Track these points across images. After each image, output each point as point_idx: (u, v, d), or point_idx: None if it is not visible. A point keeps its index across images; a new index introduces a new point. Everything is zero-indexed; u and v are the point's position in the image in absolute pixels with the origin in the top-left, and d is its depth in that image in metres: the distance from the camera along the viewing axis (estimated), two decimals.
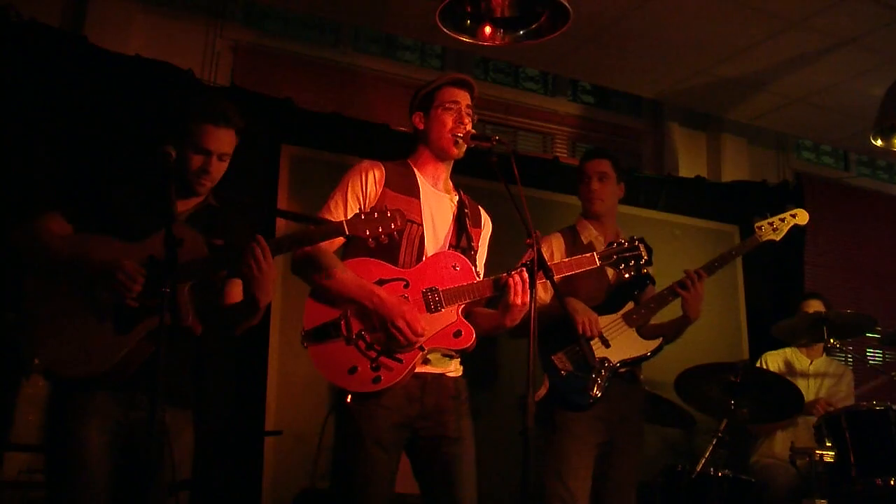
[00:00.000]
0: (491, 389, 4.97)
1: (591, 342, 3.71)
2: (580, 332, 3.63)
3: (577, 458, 3.61)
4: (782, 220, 3.77)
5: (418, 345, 2.81)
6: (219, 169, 2.81)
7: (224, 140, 2.79)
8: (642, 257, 3.11)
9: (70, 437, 2.54)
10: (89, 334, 2.56)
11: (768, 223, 3.78)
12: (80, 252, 2.60)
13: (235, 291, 2.83)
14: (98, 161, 4.23)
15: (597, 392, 3.63)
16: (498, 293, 2.88)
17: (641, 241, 3.14)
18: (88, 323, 2.57)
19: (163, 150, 2.64)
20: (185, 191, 2.81)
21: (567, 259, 3.10)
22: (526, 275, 2.78)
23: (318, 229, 2.70)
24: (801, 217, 3.78)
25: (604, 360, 3.71)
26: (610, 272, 3.91)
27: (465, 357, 3.07)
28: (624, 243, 3.13)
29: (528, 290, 2.73)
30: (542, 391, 3.69)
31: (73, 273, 2.60)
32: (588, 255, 3.09)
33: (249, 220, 2.95)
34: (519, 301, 2.80)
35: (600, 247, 3.81)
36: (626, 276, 3.19)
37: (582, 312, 3.66)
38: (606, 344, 3.72)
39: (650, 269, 4.08)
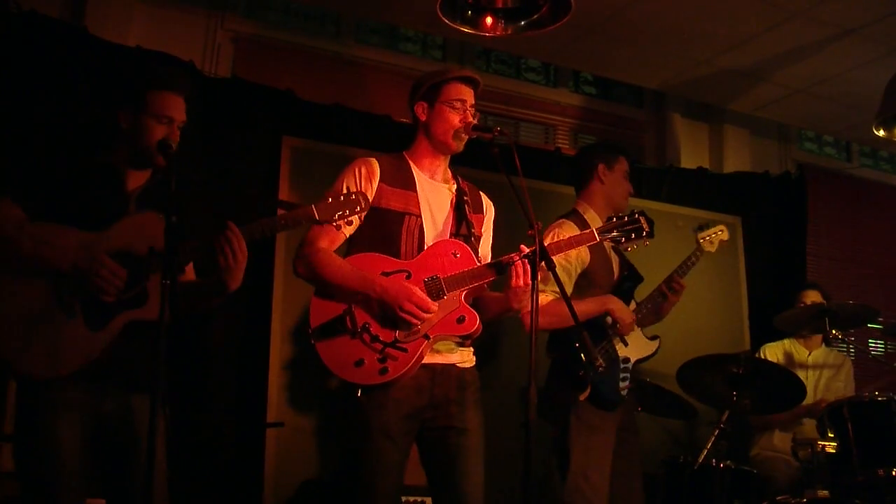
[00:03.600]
0: (495, 381, 4.97)
1: (615, 341, 3.74)
2: (621, 333, 3.66)
3: (600, 453, 3.63)
4: (715, 233, 4.10)
5: (425, 332, 2.82)
6: (176, 138, 2.72)
7: (181, 108, 2.72)
8: (643, 229, 3.08)
9: (41, 432, 2.49)
10: (58, 333, 2.49)
11: (707, 236, 4.09)
12: (43, 246, 2.51)
13: (188, 270, 2.83)
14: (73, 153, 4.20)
15: (625, 391, 3.67)
16: (498, 275, 2.90)
17: (642, 213, 3.11)
18: (56, 320, 2.50)
19: (164, 142, 2.63)
20: (139, 163, 2.73)
21: (567, 237, 3.10)
22: (525, 262, 2.79)
23: (288, 215, 2.66)
24: (724, 234, 4.13)
25: (626, 358, 3.74)
26: (615, 267, 3.92)
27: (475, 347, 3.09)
28: (623, 217, 3.10)
29: (529, 273, 2.75)
30: (587, 394, 3.65)
31: (37, 269, 2.51)
32: (587, 231, 3.06)
33: (252, 211, 2.93)
34: (521, 283, 2.80)
35: None
36: (628, 249, 3.17)
37: (625, 315, 3.68)
38: (625, 343, 3.74)
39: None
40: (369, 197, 2.91)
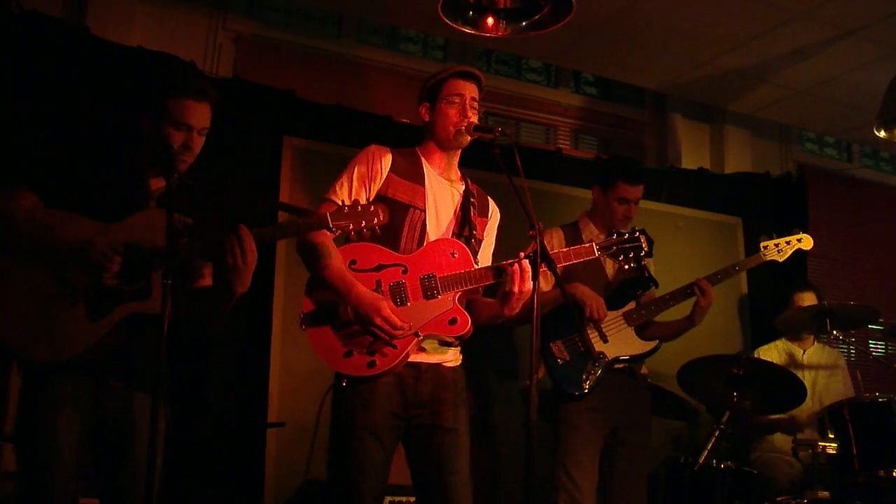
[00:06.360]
0: (492, 379, 4.97)
1: (591, 335, 3.75)
2: (587, 314, 3.67)
3: (581, 451, 3.68)
4: (788, 242, 3.94)
5: (415, 330, 2.83)
6: (198, 144, 2.71)
7: (203, 115, 2.69)
8: (642, 248, 3.08)
9: (40, 427, 2.50)
10: (60, 318, 2.50)
11: (774, 244, 3.94)
12: (50, 230, 2.52)
13: (207, 274, 2.79)
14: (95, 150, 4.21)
15: (588, 385, 3.67)
16: (498, 280, 2.89)
17: (643, 232, 3.11)
18: (59, 306, 2.50)
19: (168, 147, 2.62)
20: (161, 168, 2.69)
21: (566, 248, 3.08)
22: (526, 263, 2.78)
23: (302, 221, 2.65)
24: (806, 242, 3.94)
25: (600, 354, 3.74)
26: (608, 270, 3.95)
27: (466, 345, 3.08)
28: (624, 234, 3.10)
29: (528, 279, 2.75)
30: (539, 374, 3.69)
31: (42, 252, 2.52)
32: (587, 245, 3.06)
33: (254, 211, 2.90)
34: (516, 289, 2.79)
35: None
36: (626, 266, 3.16)
37: (590, 297, 3.73)
38: (604, 339, 3.76)
39: (650, 263, 4.11)
40: (378, 183, 2.96)
